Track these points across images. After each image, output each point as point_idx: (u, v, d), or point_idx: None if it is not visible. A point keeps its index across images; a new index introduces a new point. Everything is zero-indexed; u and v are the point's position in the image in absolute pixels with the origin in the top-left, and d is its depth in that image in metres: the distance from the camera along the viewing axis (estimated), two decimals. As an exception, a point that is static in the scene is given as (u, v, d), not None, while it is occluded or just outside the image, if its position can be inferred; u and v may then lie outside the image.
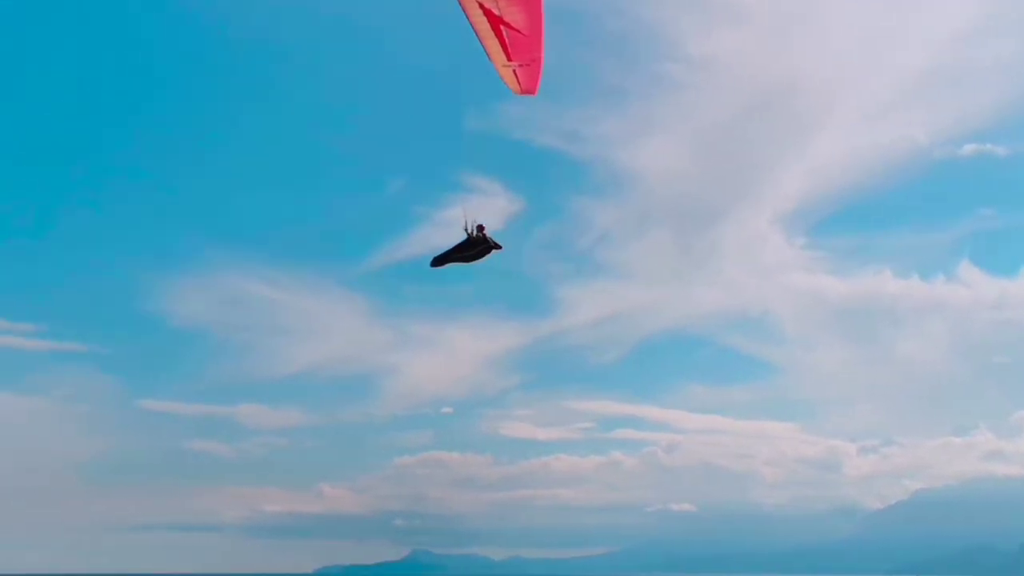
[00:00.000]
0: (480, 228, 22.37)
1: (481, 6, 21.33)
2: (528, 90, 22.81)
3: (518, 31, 21.80)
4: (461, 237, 21.43)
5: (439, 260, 22.03)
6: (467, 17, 21.61)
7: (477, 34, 21.82)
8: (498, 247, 22.42)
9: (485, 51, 22.16)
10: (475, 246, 22.17)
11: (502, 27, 21.72)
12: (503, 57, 22.29)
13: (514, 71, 22.36)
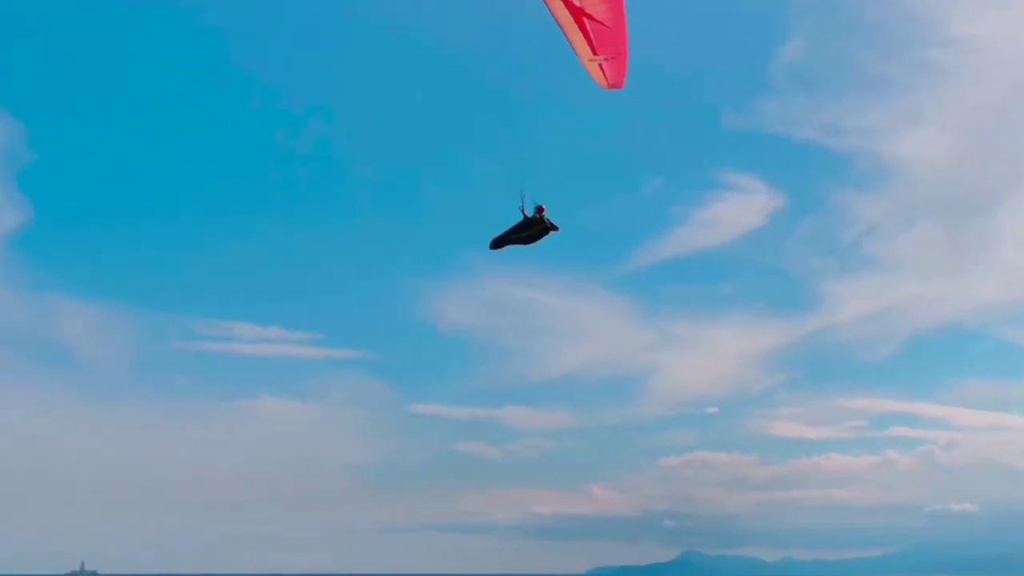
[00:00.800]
0: (540, 209, 21.76)
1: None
2: (615, 84, 22.21)
3: (601, 23, 21.29)
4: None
5: (497, 242, 21.54)
6: (550, 10, 21.17)
7: (561, 27, 21.37)
8: (555, 228, 21.79)
9: (571, 45, 21.63)
10: (532, 227, 21.59)
11: (585, 19, 21.23)
12: (588, 51, 21.78)
13: (600, 65, 21.82)
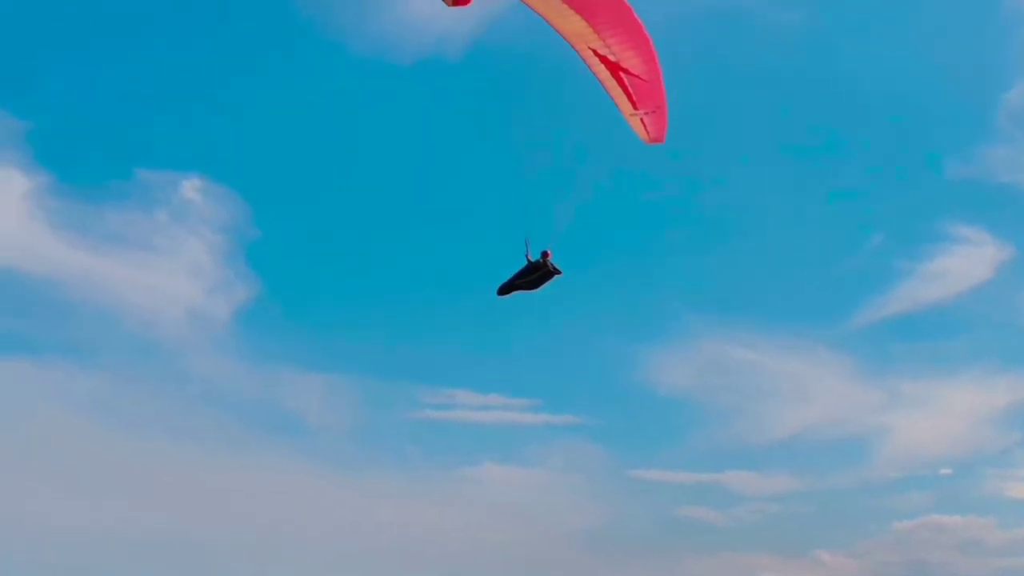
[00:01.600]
0: (544, 254, 21.34)
1: (595, 52, 20.57)
2: (656, 139, 21.65)
3: (638, 77, 20.81)
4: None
5: (504, 289, 21.21)
6: (588, 66, 20.92)
7: (601, 83, 21.05)
8: (558, 272, 21.30)
9: (613, 101, 21.30)
10: (536, 271, 21.15)
11: (622, 74, 20.80)
12: (630, 106, 21.32)
13: (641, 119, 21.32)
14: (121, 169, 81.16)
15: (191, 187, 79.18)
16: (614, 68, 20.84)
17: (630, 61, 20.63)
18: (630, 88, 21.12)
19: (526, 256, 21.26)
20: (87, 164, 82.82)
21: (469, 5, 17.45)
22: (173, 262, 79.17)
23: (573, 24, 20.34)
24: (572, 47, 20.87)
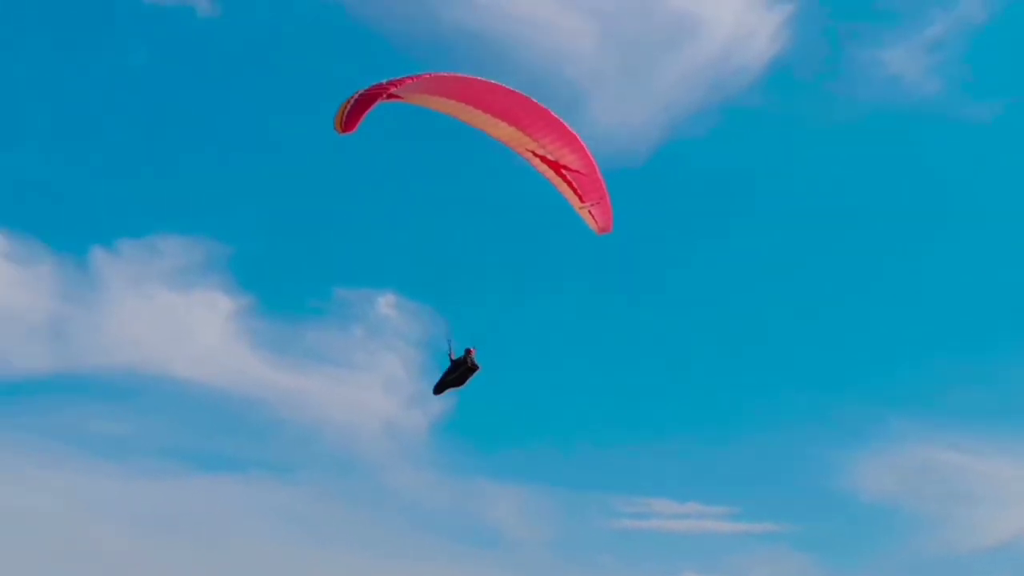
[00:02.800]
0: (468, 351, 22.26)
1: (534, 153, 21.83)
2: (605, 228, 22.55)
3: (578, 172, 21.90)
4: None
5: (438, 388, 22.20)
6: (532, 166, 22.21)
7: (549, 180, 22.29)
8: (477, 368, 22.14)
9: (563, 196, 22.52)
10: (458, 368, 22.06)
11: (563, 171, 21.96)
12: (577, 200, 22.36)
13: (589, 211, 22.36)
14: (320, 289, 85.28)
15: (386, 303, 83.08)
16: (556, 166, 21.92)
17: (567, 158, 21.70)
18: (574, 183, 22.13)
19: (449, 355, 22.20)
20: (287, 285, 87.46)
21: (352, 132, 18.76)
22: (370, 377, 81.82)
23: (505, 131, 21.55)
24: (514, 151, 22.11)
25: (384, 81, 19.07)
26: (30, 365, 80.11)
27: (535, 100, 21.09)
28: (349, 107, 18.59)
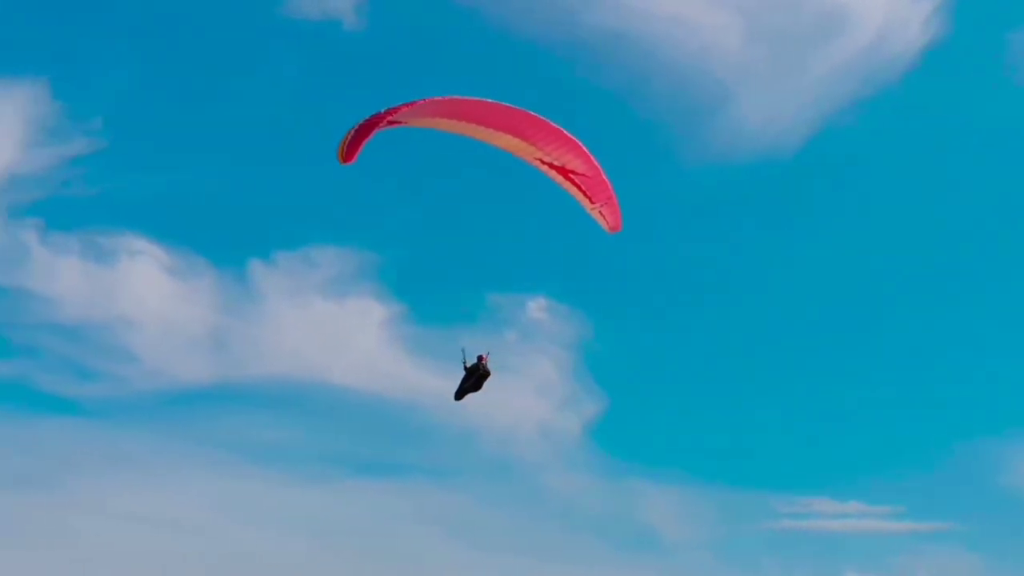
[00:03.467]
0: (480, 358, 23.18)
1: (542, 161, 22.76)
2: (615, 227, 23.36)
3: (585, 175, 22.76)
4: None
5: (458, 395, 23.27)
6: (543, 173, 23.15)
7: (559, 186, 23.23)
8: (489, 373, 23.14)
9: (574, 199, 23.48)
10: (473, 374, 23.06)
11: (571, 175, 22.86)
12: (588, 202, 23.19)
13: (600, 211, 23.25)
14: (471, 294, 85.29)
15: (536, 307, 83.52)
16: (563, 172, 22.79)
17: (573, 163, 22.55)
18: (582, 186, 22.99)
19: (464, 364, 23.20)
20: (438, 292, 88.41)
21: (351, 162, 19.84)
22: (523, 381, 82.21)
23: (511, 142, 22.45)
24: (522, 160, 23.07)
25: (383, 110, 20.13)
26: (193, 376, 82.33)
27: (536, 114, 22.01)
28: (349, 138, 19.71)
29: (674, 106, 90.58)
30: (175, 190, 76.52)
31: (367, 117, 20.13)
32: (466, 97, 21.19)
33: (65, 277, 76.43)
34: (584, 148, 22.24)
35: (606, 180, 22.74)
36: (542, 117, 21.88)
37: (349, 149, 19.57)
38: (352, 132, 19.82)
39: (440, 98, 20.72)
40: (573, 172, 22.71)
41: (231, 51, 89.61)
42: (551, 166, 22.65)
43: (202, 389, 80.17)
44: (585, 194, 23.07)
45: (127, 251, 76.63)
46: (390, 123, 20.25)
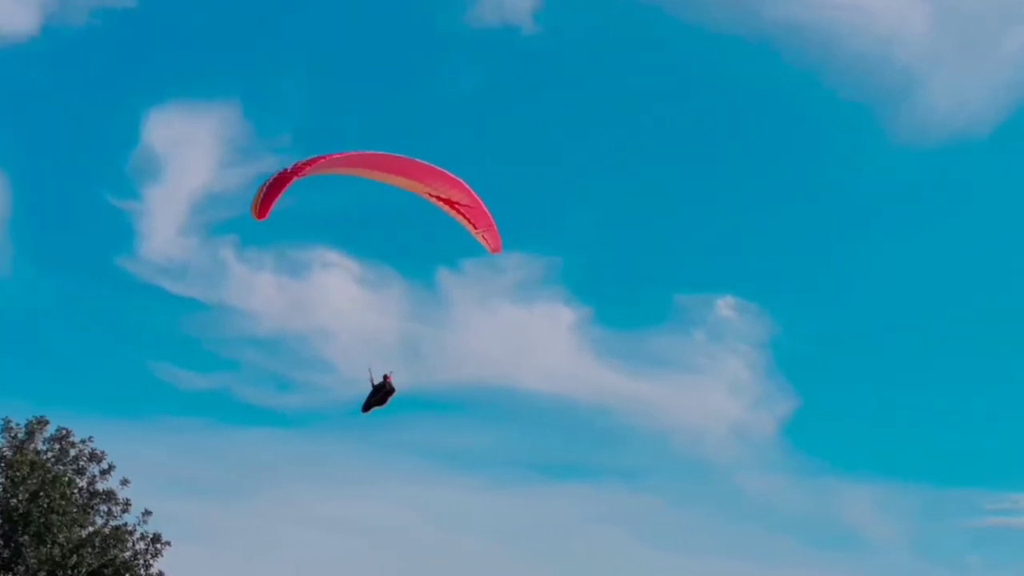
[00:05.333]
0: (386, 376, 25.87)
1: (430, 195, 26.47)
2: (496, 249, 27.20)
3: (468, 206, 26.52)
4: None
5: (365, 407, 26.14)
6: (432, 203, 26.81)
7: (448, 214, 26.89)
8: (394, 391, 26.11)
9: (461, 225, 27.12)
10: (379, 391, 25.86)
11: (457, 207, 26.58)
12: (471, 227, 27.04)
13: (482, 236, 26.99)
14: (658, 296, 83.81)
15: (725, 306, 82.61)
16: (449, 203, 26.50)
17: (456, 197, 26.28)
18: (467, 215, 26.75)
19: (371, 381, 25.81)
20: (624, 294, 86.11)
21: (265, 219, 23.15)
22: (714, 381, 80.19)
23: (405, 183, 26.10)
24: (416, 195, 26.76)
25: (290, 167, 23.58)
26: None
27: (422, 161, 25.72)
28: (262, 194, 23.09)
29: (860, 93, 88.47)
30: (363, 202, 75.78)
31: (277, 173, 23.57)
32: (364, 151, 24.82)
33: (261, 291, 75.38)
34: (466, 185, 26.01)
35: (486, 211, 26.51)
36: (432, 164, 25.57)
37: (262, 206, 22.98)
38: (264, 188, 23.21)
39: (341, 154, 24.30)
40: (458, 203, 26.43)
41: (413, 62, 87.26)
42: (439, 199, 26.36)
43: (397, 396, 78.03)
44: (469, 221, 26.81)
45: (320, 264, 75.44)
46: (298, 175, 23.69)
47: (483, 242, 27.29)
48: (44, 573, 41.88)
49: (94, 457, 45.68)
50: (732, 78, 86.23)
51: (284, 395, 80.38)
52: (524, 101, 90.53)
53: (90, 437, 45.87)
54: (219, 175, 78.57)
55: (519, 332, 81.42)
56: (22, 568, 41.86)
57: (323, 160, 23.96)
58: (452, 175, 25.98)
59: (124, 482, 45.73)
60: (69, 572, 42.60)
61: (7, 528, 42.97)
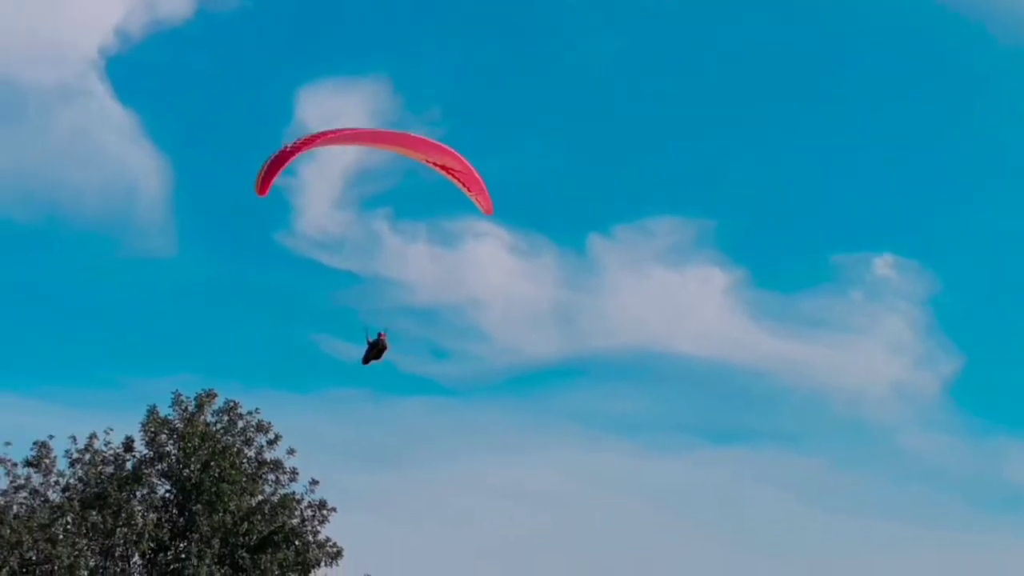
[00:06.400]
0: (380, 335, 27.83)
1: (427, 161, 28.97)
2: (487, 210, 29.58)
3: (460, 171, 28.93)
4: None
5: (364, 360, 28.57)
6: (430, 168, 29.34)
7: (444, 177, 29.39)
8: (387, 347, 28.51)
9: (457, 188, 29.63)
10: (374, 348, 27.84)
11: (451, 172, 29.04)
12: (465, 190, 29.49)
13: (475, 198, 29.44)
14: (813, 255, 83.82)
15: (883, 264, 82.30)
16: (444, 169, 28.83)
17: (451, 164, 28.50)
18: (461, 179, 29.17)
19: (367, 339, 27.87)
20: (778, 255, 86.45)
21: (265, 195, 25.66)
22: (872, 341, 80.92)
23: (405, 152, 28.60)
24: (415, 160, 29.23)
25: (290, 144, 26.09)
26: (541, 352, 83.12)
27: (416, 134, 28.18)
28: (263, 172, 25.62)
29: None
30: (513, 172, 77.38)
31: (280, 149, 26.12)
32: (362, 128, 27.37)
33: (415, 262, 78.02)
34: (457, 153, 28.32)
35: (477, 175, 28.82)
36: (421, 136, 28.03)
37: (263, 183, 25.55)
38: (266, 165, 25.75)
39: (338, 131, 26.76)
40: (452, 169, 28.80)
41: (557, 30, 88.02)
42: (435, 165, 28.77)
43: (551, 364, 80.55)
44: (464, 184, 29.20)
45: (472, 233, 78.11)
46: (298, 153, 26.21)
47: (477, 202, 29.68)
48: (217, 540, 43.85)
49: (261, 428, 47.13)
50: (888, 30, 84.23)
51: (440, 364, 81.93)
52: (670, 64, 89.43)
53: (257, 409, 47.42)
54: (371, 150, 79.17)
55: (672, 296, 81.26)
56: (196, 535, 43.95)
57: (320, 138, 26.41)
58: (444, 145, 28.34)
59: (290, 451, 47.09)
60: (241, 539, 44.51)
61: (181, 497, 45.32)
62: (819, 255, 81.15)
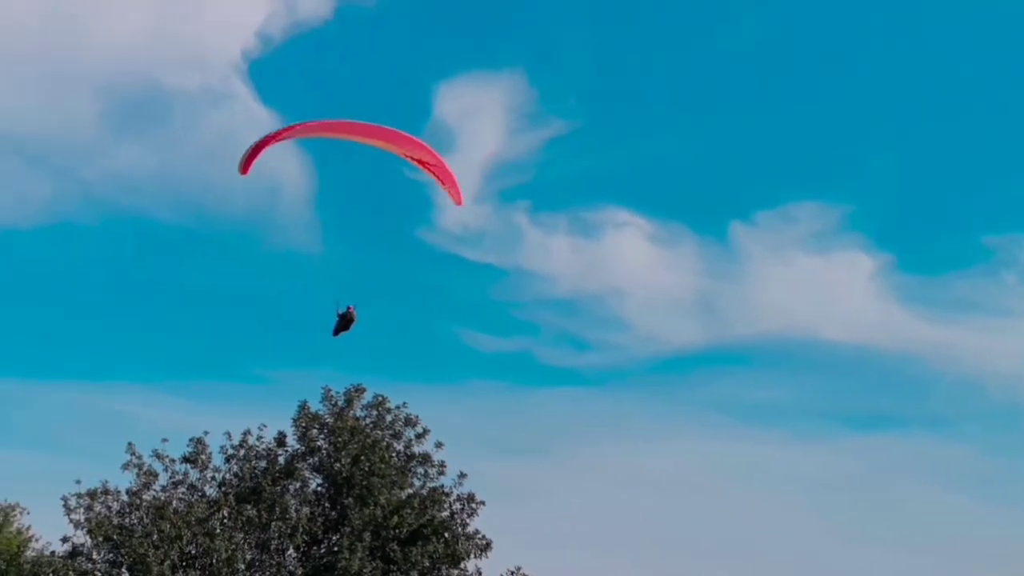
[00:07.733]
0: (349, 308, 29.22)
1: (404, 156, 31.22)
2: (459, 202, 31.70)
3: (434, 166, 31.11)
4: None
5: (335, 332, 30.72)
6: (407, 161, 31.58)
7: (420, 170, 31.64)
8: (355, 319, 30.57)
9: (433, 180, 31.82)
10: (343, 319, 29.30)
11: (425, 165, 31.24)
12: (440, 183, 31.73)
13: (448, 190, 31.64)
14: (964, 238, 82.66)
15: None
16: (419, 163, 30.99)
17: (425, 158, 30.64)
18: (434, 171, 31.31)
19: (337, 312, 29.49)
20: (926, 238, 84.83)
21: (246, 175, 27.96)
22: None
23: (377, 145, 30.80)
24: (391, 153, 31.47)
25: (273, 132, 28.46)
26: (683, 340, 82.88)
27: (392, 128, 30.35)
28: (246, 155, 27.97)
29: None
30: (651, 160, 77.77)
31: (266, 135, 28.45)
32: (340, 119, 29.62)
33: (556, 254, 79.17)
34: (432, 149, 30.43)
35: (449, 171, 30.94)
36: (400, 130, 30.25)
37: (244, 164, 27.93)
38: (249, 149, 28.10)
39: (317, 122, 29.04)
40: (427, 163, 30.96)
41: (693, 16, 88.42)
42: (410, 158, 30.94)
43: (694, 352, 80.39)
44: (438, 177, 31.31)
45: (612, 224, 78.94)
46: (276, 140, 28.50)
47: (450, 194, 31.89)
48: (368, 533, 44.29)
49: (409, 422, 47.54)
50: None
51: (583, 355, 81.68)
52: (810, 48, 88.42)
53: (404, 403, 47.94)
54: (508, 143, 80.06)
55: (816, 283, 79.00)
56: (348, 528, 44.59)
57: (300, 127, 28.72)
58: (417, 139, 30.53)
59: (438, 445, 47.36)
60: (392, 532, 44.82)
61: (332, 491, 46.19)
62: (969, 238, 79.54)
